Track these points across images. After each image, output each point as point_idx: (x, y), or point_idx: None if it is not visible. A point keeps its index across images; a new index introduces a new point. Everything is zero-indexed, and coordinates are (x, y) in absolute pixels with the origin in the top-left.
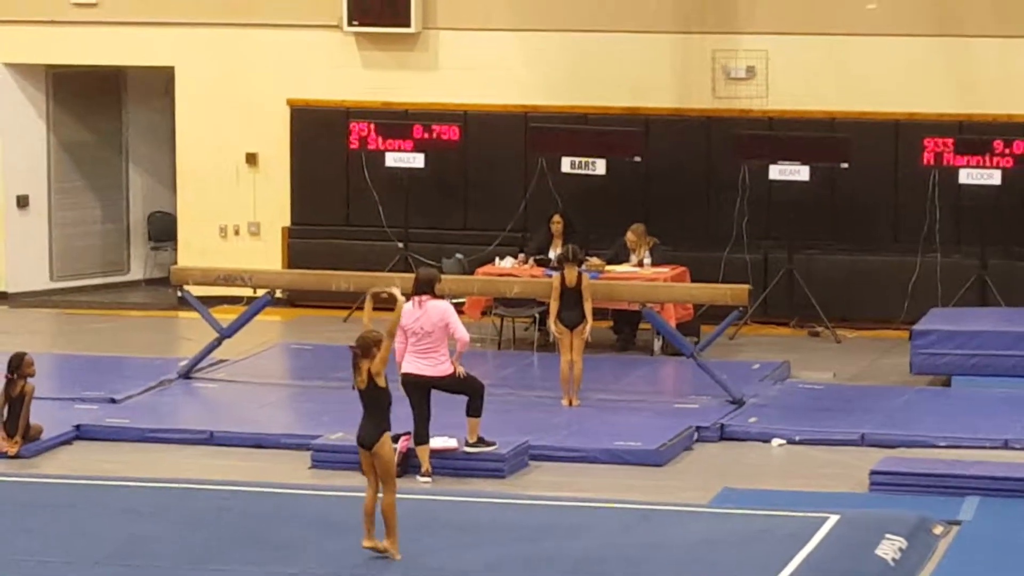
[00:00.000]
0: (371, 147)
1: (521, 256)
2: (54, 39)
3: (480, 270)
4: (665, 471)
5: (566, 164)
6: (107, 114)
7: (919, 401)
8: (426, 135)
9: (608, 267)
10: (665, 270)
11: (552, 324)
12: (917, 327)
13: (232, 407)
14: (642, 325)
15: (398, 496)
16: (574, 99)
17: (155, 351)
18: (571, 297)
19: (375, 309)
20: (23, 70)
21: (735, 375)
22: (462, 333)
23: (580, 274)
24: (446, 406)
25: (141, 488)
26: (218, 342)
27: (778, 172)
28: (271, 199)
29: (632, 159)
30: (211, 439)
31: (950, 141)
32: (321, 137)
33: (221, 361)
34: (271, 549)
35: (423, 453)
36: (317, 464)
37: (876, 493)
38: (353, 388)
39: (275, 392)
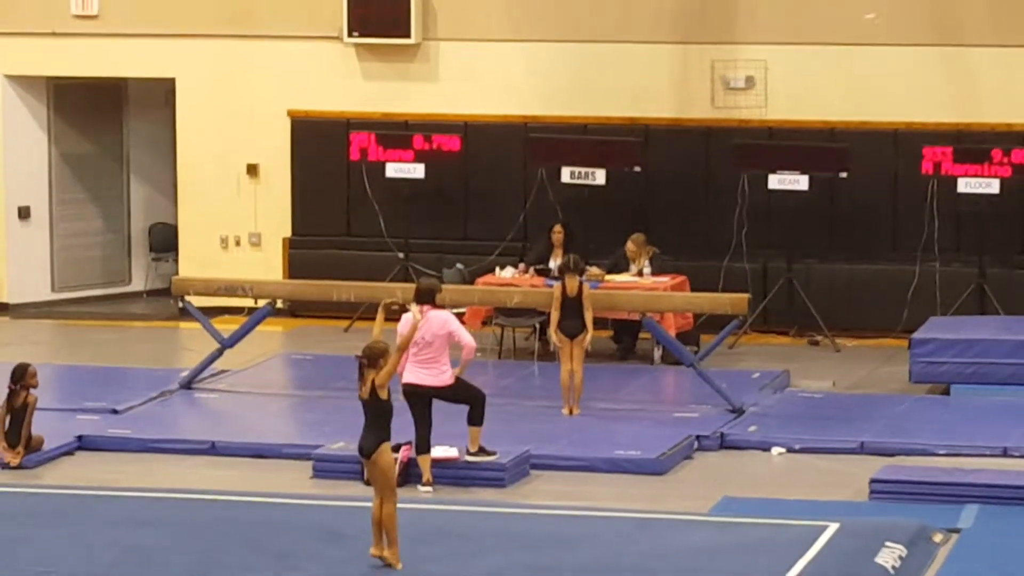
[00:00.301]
0: (372, 158)
1: (521, 266)
2: (55, 51)
3: (480, 280)
4: (665, 480)
5: (566, 174)
6: (108, 125)
7: (918, 409)
8: (426, 145)
9: (608, 277)
10: (665, 279)
11: (553, 334)
12: (916, 336)
13: (233, 417)
14: (642, 334)
15: (399, 505)
16: (574, 109)
17: (156, 362)
18: (572, 307)
19: (386, 320)
20: (24, 82)
21: (735, 384)
22: (468, 339)
23: (581, 284)
24: (447, 415)
25: (143, 498)
26: (219, 352)
27: (777, 181)
28: (272, 210)
29: (632, 169)
30: (213, 449)
31: (949, 150)
32: (322, 148)
33: (222, 371)
34: (273, 559)
35: (424, 463)
36: (319, 474)
37: (876, 501)
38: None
39: (276, 402)
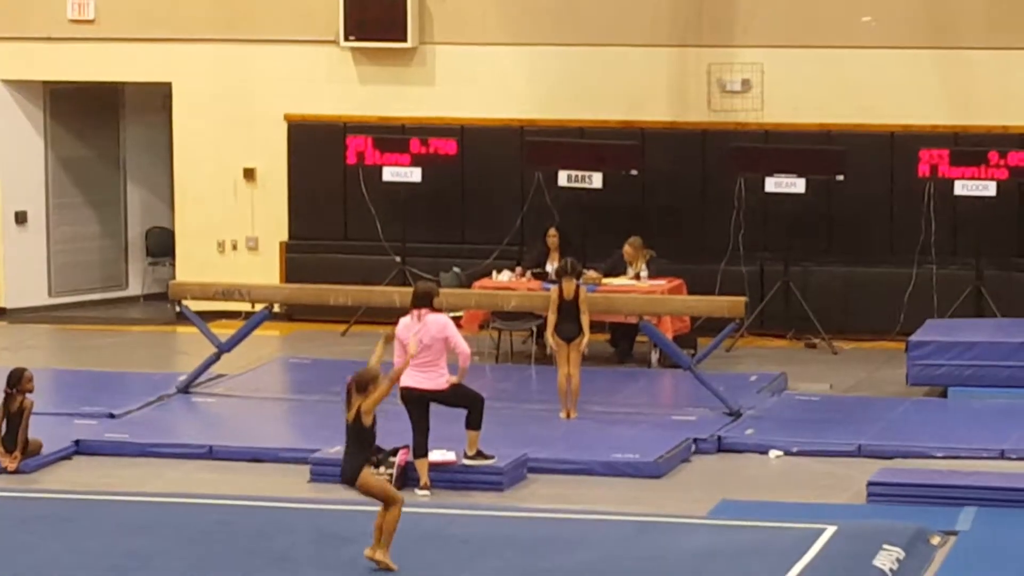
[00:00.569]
0: (368, 162)
1: (518, 269)
2: (52, 55)
3: (477, 284)
4: (663, 483)
5: (563, 178)
6: (105, 130)
7: (916, 412)
8: (423, 149)
9: (605, 280)
10: (662, 282)
11: (550, 337)
12: (913, 338)
13: (231, 421)
14: (639, 338)
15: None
16: (571, 113)
17: (154, 366)
18: (568, 310)
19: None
20: (21, 86)
21: (732, 387)
22: (463, 347)
23: (578, 287)
24: (445, 419)
25: (140, 503)
26: (216, 357)
27: (774, 184)
28: (269, 214)
29: (629, 172)
30: (210, 453)
31: (945, 153)
32: (319, 152)
33: (220, 376)
34: (270, 563)
35: (422, 466)
36: (316, 478)
37: (873, 504)
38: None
39: (274, 406)
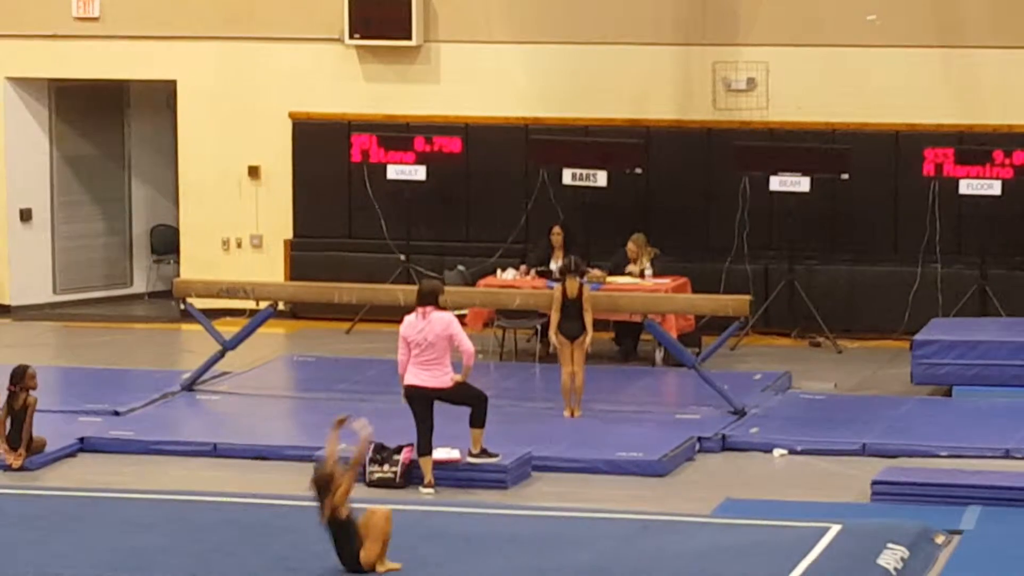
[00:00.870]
0: (373, 160)
1: (523, 268)
2: (56, 53)
3: (482, 282)
4: (667, 482)
5: (567, 176)
6: (109, 127)
7: (920, 411)
8: (428, 147)
9: (609, 278)
10: (666, 281)
11: (553, 335)
12: (918, 337)
13: (235, 419)
14: (644, 336)
15: (400, 507)
16: (575, 111)
17: (158, 363)
18: (572, 308)
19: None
20: (26, 84)
21: (736, 386)
22: (467, 345)
23: (581, 286)
24: (449, 417)
25: (144, 500)
26: (221, 354)
27: (779, 183)
28: (273, 212)
29: (633, 171)
30: (214, 451)
31: (950, 151)
32: (323, 150)
33: (224, 373)
34: (274, 560)
35: (426, 464)
36: None
37: (878, 503)
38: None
39: (278, 404)
